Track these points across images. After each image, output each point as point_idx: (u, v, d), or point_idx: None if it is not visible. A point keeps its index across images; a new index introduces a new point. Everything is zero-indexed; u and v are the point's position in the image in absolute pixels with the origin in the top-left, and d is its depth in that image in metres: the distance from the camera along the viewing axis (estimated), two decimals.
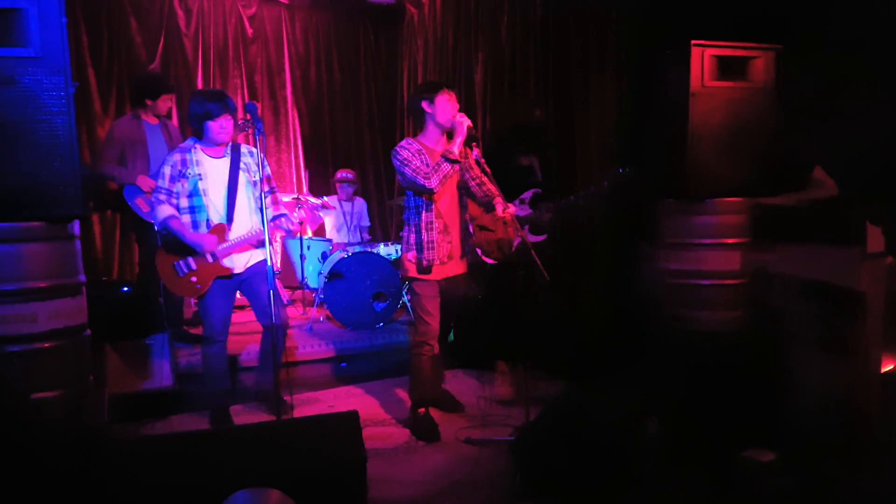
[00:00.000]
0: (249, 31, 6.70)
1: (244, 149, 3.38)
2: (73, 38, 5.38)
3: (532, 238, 3.93)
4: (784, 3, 3.22)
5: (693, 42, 3.09)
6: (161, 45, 6.16)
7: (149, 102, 4.41)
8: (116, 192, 4.37)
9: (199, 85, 6.38)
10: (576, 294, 4.23)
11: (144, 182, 4.26)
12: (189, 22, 6.35)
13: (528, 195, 3.98)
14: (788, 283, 3.25)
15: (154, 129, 4.43)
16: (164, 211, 3.23)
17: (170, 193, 3.24)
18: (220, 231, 3.27)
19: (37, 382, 2.28)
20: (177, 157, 3.26)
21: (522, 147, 4.20)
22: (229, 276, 3.31)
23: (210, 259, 3.25)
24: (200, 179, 3.24)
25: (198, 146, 3.29)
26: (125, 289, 3.93)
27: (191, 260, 3.25)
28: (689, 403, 2.79)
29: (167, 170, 3.24)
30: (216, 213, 3.28)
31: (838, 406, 2.86)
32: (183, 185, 3.24)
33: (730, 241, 3.23)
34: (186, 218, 3.25)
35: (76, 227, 2.51)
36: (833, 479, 2.47)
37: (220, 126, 3.22)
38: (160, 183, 3.25)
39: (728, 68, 3.16)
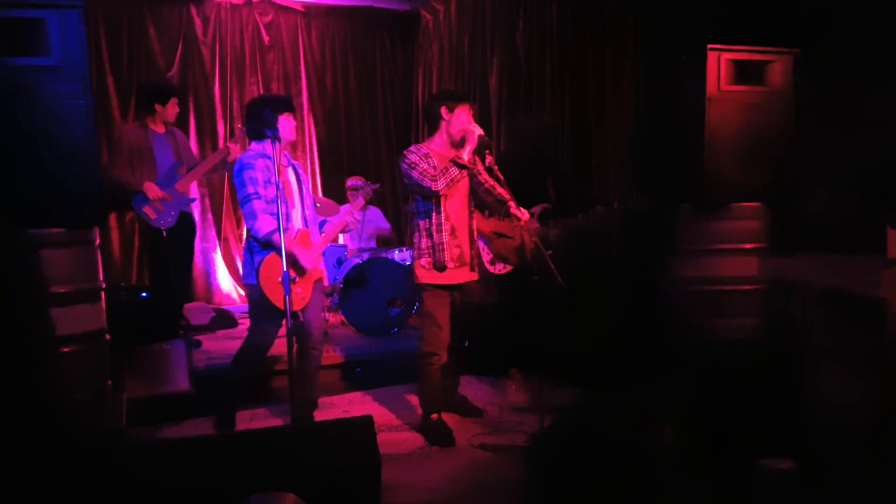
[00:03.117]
0: (266, 38, 6.76)
1: (294, 161, 3.43)
2: (93, 46, 5.48)
3: None
4: (801, 7, 3.19)
5: (710, 46, 3.07)
6: (179, 53, 6.24)
7: (158, 108, 4.43)
8: (128, 198, 4.40)
9: (217, 92, 6.45)
10: (591, 300, 4.21)
11: (151, 190, 4.26)
12: (206, 30, 6.43)
13: (536, 209, 3.98)
14: (807, 291, 3.20)
15: (160, 137, 4.45)
16: (270, 223, 3.06)
17: (268, 200, 3.11)
18: (306, 237, 3.28)
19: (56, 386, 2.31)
20: (261, 162, 3.13)
21: (537, 165, 4.22)
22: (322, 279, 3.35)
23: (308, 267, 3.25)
24: (282, 188, 3.16)
25: (268, 153, 3.15)
26: (143, 294, 3.97)
27: (291, 271, 3.16)
28: (705, 411, 2.76)
29: (259, 175, 3.10)
30: (295, 221, 3.27)
31: (857, 416, 2.81)
32: (269, 193, 3.14)
33: (747, 246, 3.20)
34: None
35: (95, 233, 2.55)
36: (851, 489, 2.43)
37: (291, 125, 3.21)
38: (255, 189, 3.09)
39: (745, 73, 3.13)
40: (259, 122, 3.16)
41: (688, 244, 3.33)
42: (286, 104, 3.23)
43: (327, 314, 5.30)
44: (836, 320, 3.02)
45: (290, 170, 3.33)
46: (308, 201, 3.38)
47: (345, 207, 3.58)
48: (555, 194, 4.21)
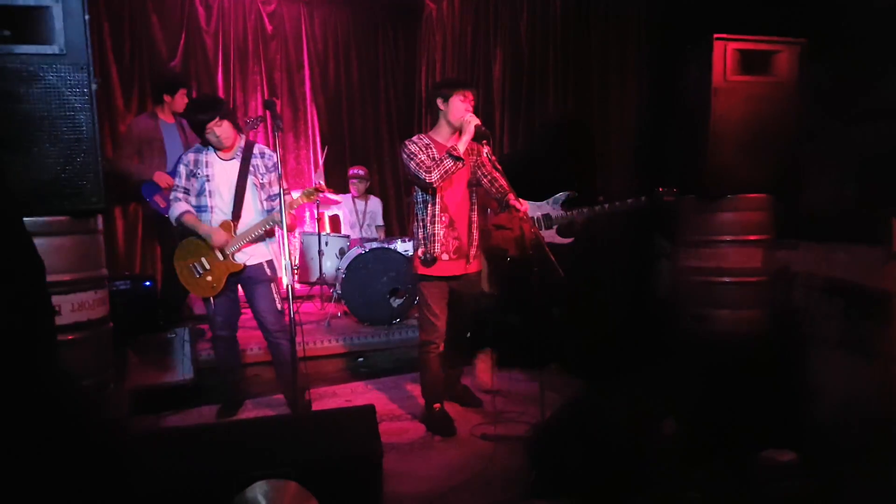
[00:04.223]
0: (269, 27, 6.74)
1: (256, 149, 3.40)
2: (96, 35, 5.47)
3: (560, 240, 3.93)
4: None
5: (715, 36, 3.05)
6: (182, 42, 6.21)
7: (167, 98, 4.49)
8: (136, 188, 4.45)
9: (220, 81, 6.43)
10: (594, 292, 4.21)
11: (161, 178, 4.32)
12: (209, 19, 6.41)
13: (562, 196, 3.97)
14: (811, 282, 3.20)
15: (170, 127, 4.51)
16: (179, 207, 3.33)
17: (186, 191, 3.35)
18: (227, 228, 3.32)
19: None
20: (191, 157, 3.35)
21: (559, 150, 4.22)
22: (241, 272, 3.34)
23: (221, 257, 3.30)
24: (208, 181, 3.32)
25: (210, 147, 3.35)
26: (147, 283, 3.97)
27: (204, 260, 3.32)
28: (707, 403, 2.76)
29: (182, 169, 3.34)
30: (221, 213, 3.34)
31: (860, 408, 2.81)
32: (193, 185, 3.34)
33: (751, 238, 3.20)
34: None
35: (99, 221, 2.55)
36: (853, 480, 2.44)
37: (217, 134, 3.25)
38: (177, 181, 3.36)
39: (751, 63, 3.11)
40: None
41: (691, 235, 3.33)
42: (210, 114, 3.23)
43: (332, 305, 5.31)
44: (840, 311, 3.01)
45: (233, 162, 3.34)
46: (257, 193, 3.36)
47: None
48: (578, 182, 4.21)
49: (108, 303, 2.62)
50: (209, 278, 3.33)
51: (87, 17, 2.34)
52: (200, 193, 3.33)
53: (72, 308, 2.38)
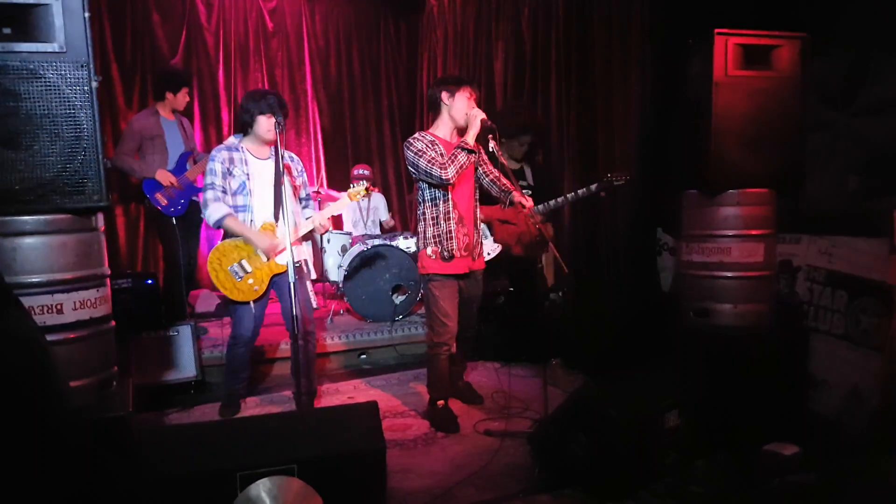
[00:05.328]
0: (270, 24, 6.73)
1: (286, 153, 3.32)
2: (96, 32, 5.44)
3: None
4: None
5: (716, 30, 3.04)
6: (183, 39, 6.21)
7: (169, 96, 4.48)
8: (138, 186, 4.45)
9: (221, 79, 6.42)
10: (597, 286, 4.21)
11: (164, 176, 4.31)
12: (210, 16, 6.40)
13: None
14: (814, 276, 3.19)
15: (171, 124, 4.51)
16: (221, 209, 3.16)
17: (224, 191, 3.19)
18: (271, 229, 3.24)
19: (63, 372, 2.32)
20: (225, 154, 3.20)
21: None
22: (283, 273, 3.23)
23: (265, 258, 3.22)
24: (248, 179, 3.21)
25: (243, 146, 3.25)
26: (149, 281, 3.98)
27: (245, 263, 3.20)
28: (710, 397, 2.76)
29: (217, 166, 3.18)
30: (262, 212, 3.24)
31: (864, 401, 2.81)
32: (230, 184, 3.20)
33: (754, 232, 3.19)
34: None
35: (100, 219, 2.55)
36: (856, 474, 2.44)
37: (269, 126, 3.16)
38: (212, 179, 3.18)
39: (752, 57, 3.10)
40: (241, 117, 3.24)
41: (694, 229, 3.32)
42: (267, 106, 3.16)
43: (334, 302, 5.31)
44: (843, 305, 3.01)
45: (268, 162, 3.29)
46: (290, 193, 3.28)
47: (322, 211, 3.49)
48: (534, 181, 4.28)
49: (111, 301, 2.62)
50: (251, 281, 3.20)
51: (87, 14, 2.34)
52: (239, 192, 3.20)
53: (74, 306, 2.39)
